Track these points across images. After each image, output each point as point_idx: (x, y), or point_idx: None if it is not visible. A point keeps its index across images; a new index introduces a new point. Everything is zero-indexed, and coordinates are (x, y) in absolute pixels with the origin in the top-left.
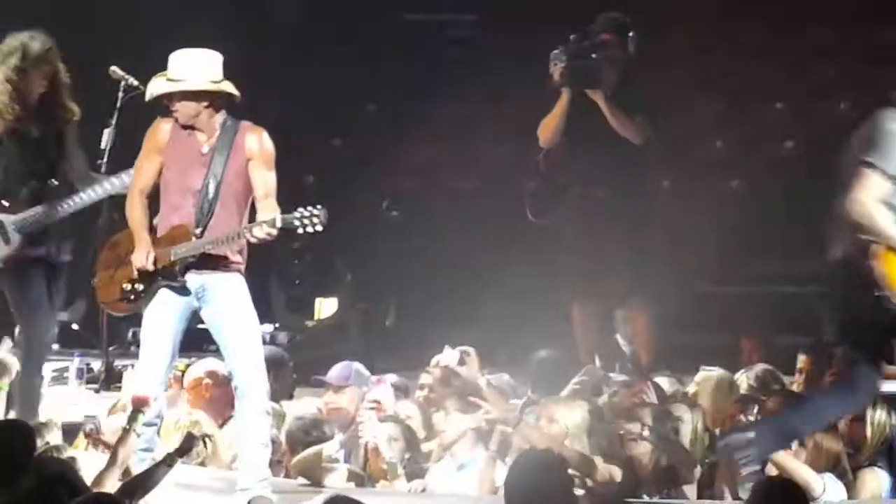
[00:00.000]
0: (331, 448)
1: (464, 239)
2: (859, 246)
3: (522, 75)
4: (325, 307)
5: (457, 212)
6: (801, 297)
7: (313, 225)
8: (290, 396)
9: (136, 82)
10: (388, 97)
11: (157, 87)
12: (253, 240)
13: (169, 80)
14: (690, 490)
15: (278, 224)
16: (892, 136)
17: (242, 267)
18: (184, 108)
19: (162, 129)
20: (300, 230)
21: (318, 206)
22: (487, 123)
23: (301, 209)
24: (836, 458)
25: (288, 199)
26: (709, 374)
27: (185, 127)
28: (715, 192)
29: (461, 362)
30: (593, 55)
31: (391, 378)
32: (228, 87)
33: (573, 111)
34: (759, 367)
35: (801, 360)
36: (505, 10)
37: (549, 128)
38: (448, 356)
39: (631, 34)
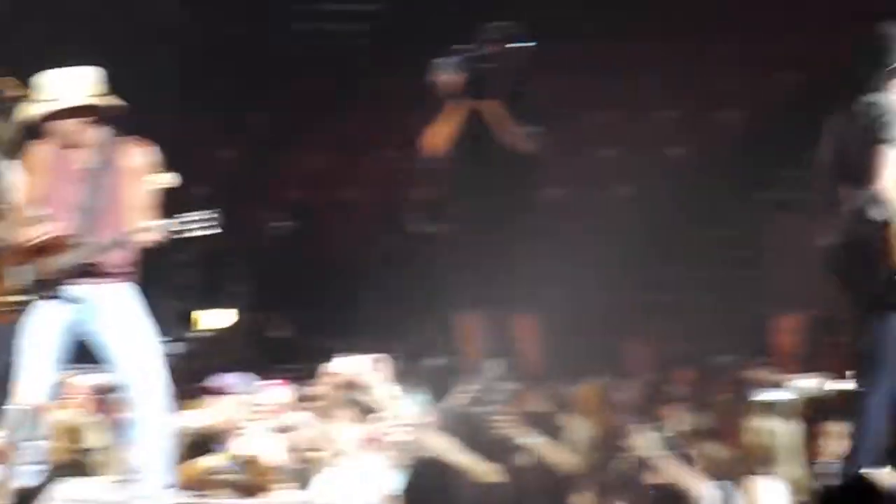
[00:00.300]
0: (219, 459)
1: (353, 248)
2: (874, 227)
3: (411, 85)
4: (214, 318)
5: (346, 221)
6: (688, 305)
7: (203, 228)
8: (179, 408)
9: (16, 93)
10: (276, 107)
11: (32, 109)
12: (138, 245)
13: (43, 101)
14: (578, 499)
15: (162, 228)
16: None
17: (132, 276)
18: (62, 127)
19: (40, 151)
20: (189, 234)
21: (211, 210)
22: (376, 133)
23: (191, 213)
24: (722, 466)
25: (178, 210)
26: (596, 383)
27: (66, 146)
28: (605, 199)
29: (372, 370)
30: (482, 65)
31: (282, 388)
32: (106, 100)
33: (461, 121)
34: (647, 375)
35: (682, 372)
36: (396, 19)
37: (436, 137)
38: (355, 364)
39: (521, 44)
